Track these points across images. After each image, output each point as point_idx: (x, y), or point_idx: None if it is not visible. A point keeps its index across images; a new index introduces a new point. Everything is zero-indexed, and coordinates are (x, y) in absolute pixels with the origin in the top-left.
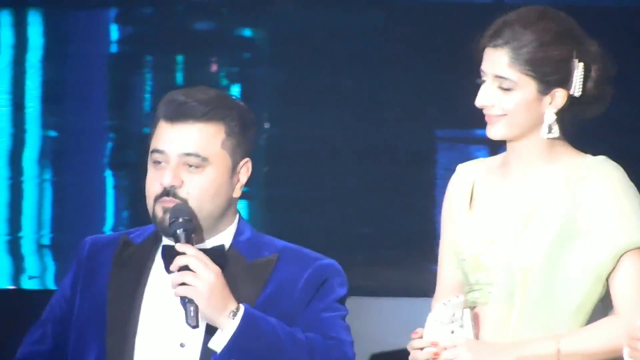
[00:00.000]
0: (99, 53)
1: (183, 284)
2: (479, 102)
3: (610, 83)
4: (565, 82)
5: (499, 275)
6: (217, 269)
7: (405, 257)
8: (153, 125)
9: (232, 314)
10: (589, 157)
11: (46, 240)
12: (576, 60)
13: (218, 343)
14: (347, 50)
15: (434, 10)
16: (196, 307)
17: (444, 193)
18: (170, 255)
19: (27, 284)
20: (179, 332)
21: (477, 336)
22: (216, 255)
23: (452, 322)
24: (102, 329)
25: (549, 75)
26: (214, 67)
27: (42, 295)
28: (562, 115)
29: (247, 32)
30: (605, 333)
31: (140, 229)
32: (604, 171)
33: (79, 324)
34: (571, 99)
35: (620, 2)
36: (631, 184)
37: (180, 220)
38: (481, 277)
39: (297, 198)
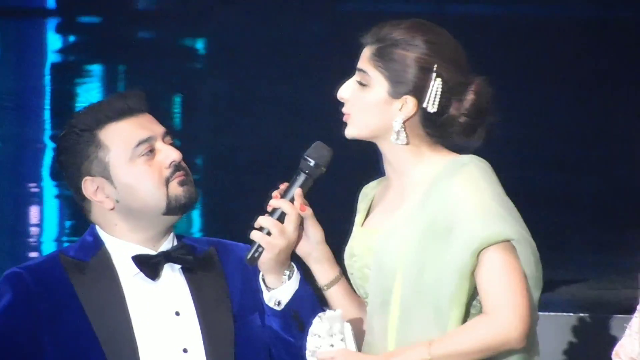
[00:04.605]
0: (40, 62)
1: (261, 228)
2: (338, 93)
3: (482, 123)
4: (418, 92)
5: (373, 284)
6: (295, 236)
7: None
8: (91, 138)
9: (287, 275)
10: (454, 157)
11: None
12: (434, 75)
13: (282, 294)
14: (286, 60)
15: (375, 20)
16: (261, 252)
17: None
18: (146, 263)
19: None
20: (180, 339)
21: (359, 349)
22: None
23: (332, 335)
24: (96, 354)
25: (400, 77)
26: (156, 77)
27: None
28: (423, 124)
29: (189, 42)
30: (473, 333)
31: (71, 246)
32: (463, 170)
33: (61, 355)
34: (425, 113)
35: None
36: (493, 181)
37: (312, 163)
38: (367, 288)
39: (240, 206)
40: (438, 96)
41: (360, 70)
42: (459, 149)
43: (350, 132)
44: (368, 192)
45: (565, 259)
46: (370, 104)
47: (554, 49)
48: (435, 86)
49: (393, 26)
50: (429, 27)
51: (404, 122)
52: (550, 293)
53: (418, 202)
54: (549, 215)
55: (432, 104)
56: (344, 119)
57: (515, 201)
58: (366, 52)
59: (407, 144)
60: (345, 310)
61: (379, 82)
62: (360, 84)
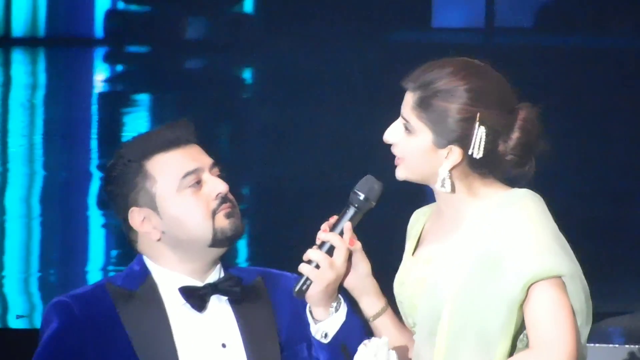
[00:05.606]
0: (87, 91)
1: (310, 261)
2: (384, 137)
3: (533, 150)
4: (463, 141)
5: (421, 314)
6: (343, 269)
7: None
8: (139, 168)
9: (334, 307)
10: (508, 191)
11: (34, 280)
12: (477, 124)
13: (329, 327)
14: (334, 90)
15: (426, 51)
16: (309, 285)
17: None
18: (192, 294)
19: (15, 323)
20: None
21: None
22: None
23: None
24: None
25: (443, 128)
26: (203, 107)
27: (31, 334)
28: (472, 167)
29: (237, 72)
30: None
31: (118, 275)
32: (518, 204)
33: None
34: (472, 157)
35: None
36: (546, 216)
37: (362, 197)
38: (416, 317)
39: (288, 236)
40: (483, 142)
41: (404, 118)
42: (512, 181)
43: (400, 174)
44: (419, 217)
45: (615, 290)
46: (416, 151)
47: (604, 79)
48: (480, 134)
49: (434, 72)
50: (472, 70)
51: (451, 169)
52: (600, 324)
53: (470, 234)
54: (599, 246)
55: (477, 150)
56: (395, 162)
57: (563, 232)
58: (409, 100)
59: (453, 191)
60: (392, 340)
61: (422, 132)
62: (407, 130)
